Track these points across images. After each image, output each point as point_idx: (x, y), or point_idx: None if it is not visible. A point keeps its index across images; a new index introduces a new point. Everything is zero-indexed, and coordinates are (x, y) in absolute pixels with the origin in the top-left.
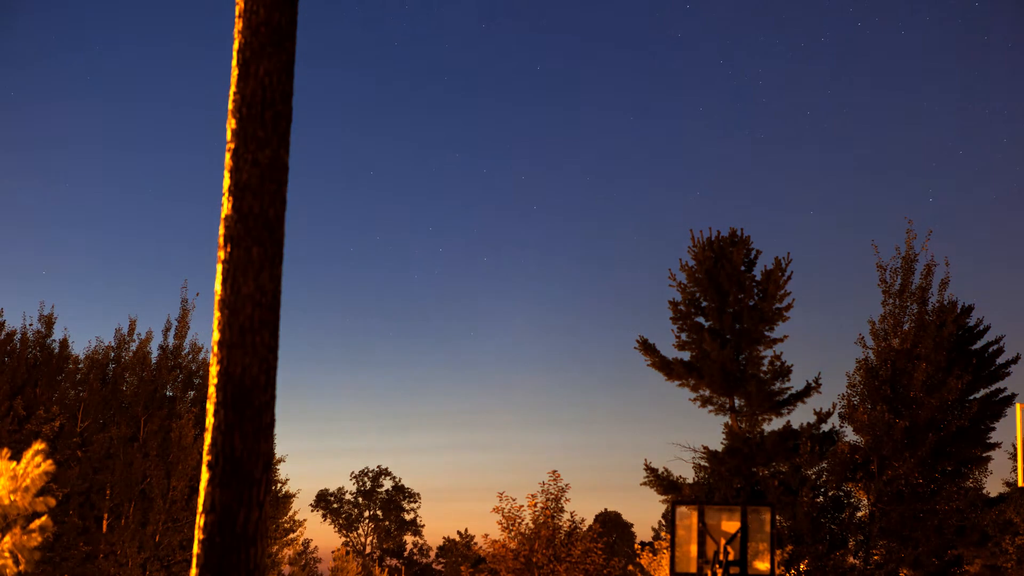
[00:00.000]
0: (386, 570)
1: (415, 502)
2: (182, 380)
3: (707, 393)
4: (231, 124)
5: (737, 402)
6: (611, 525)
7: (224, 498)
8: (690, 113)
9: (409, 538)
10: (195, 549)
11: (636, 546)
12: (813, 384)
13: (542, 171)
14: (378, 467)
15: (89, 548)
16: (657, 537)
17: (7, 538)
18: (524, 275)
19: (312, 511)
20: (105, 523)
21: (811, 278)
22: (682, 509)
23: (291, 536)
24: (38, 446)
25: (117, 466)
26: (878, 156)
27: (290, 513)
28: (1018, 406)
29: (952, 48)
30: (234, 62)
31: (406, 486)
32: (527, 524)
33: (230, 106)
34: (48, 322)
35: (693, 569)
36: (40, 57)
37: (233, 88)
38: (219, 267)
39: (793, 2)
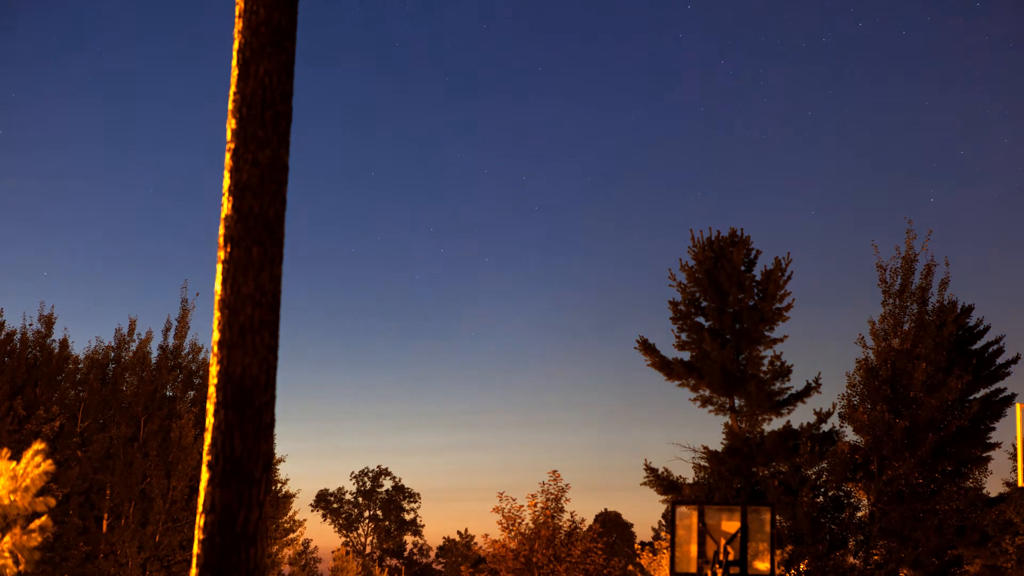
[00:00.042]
0: (386, 570)
1: (415, 502)
2: (182, 380)
3: (707, 393)
4: (231, 124)
5: (737, 402)
6: (611, 525)
7: (224, 498)
8: (691, 113)
9: (409, 538)
10: (195, 549)
11: (636, 546)
12: (813, 384)
13: (543, 171)
14: (378, 467)
15: (89, 548)
16: (657, 537)
17: (7, 538)
18: (524, 275)
19: (312, 511)
20: (105, 523)
21: (811, 278)
22: (682, 509)
23: (291, 536)
24: (38, 446)
25: (117, 466)
26: (879, 156)
27: (290, 513)
28: (1018, 406)
29: (953, 48)
30: (234, 62)
31: (406, 486)
32: (527, 524)
33: (230, 106)
34: (48, 322)
35: (693, 569)
36: (40, 57)
37: (233, 88)
38: (219, 267)
39: (794, 2)
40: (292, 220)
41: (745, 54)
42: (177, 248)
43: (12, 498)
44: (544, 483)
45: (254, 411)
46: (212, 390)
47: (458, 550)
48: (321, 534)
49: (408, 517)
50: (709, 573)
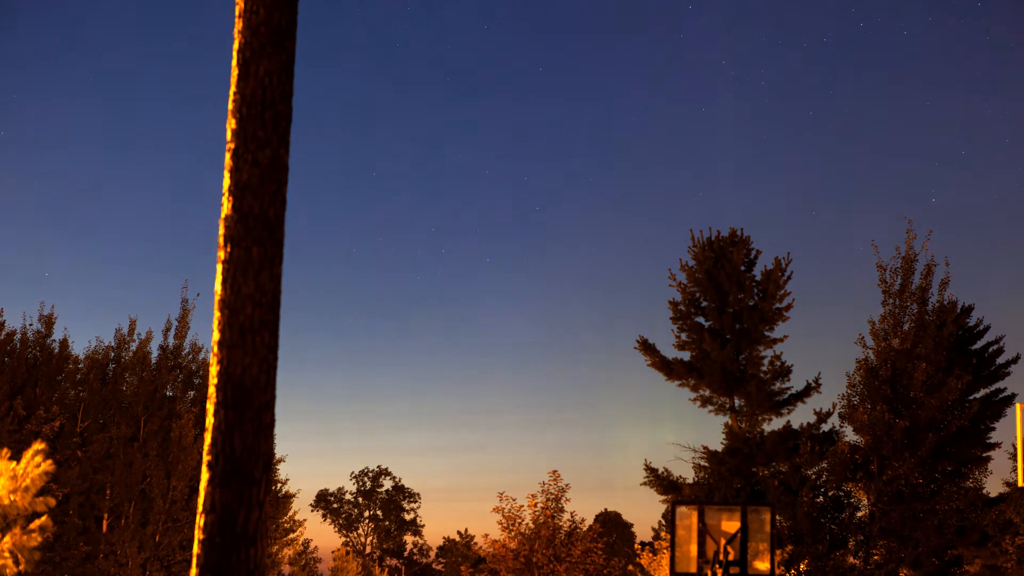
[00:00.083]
0: (386, 570)
1: (415, 502)
2: (182, 380)
3: (707, 393)
4: (231, 124)
5: (737, 402)
6: (611, 525)
7: (224, 498)
8: (692, 113)
9: (409, 538)
10: (195, 549)
11: (636, 546)
12: (813, 384)
13: (543, 171)
14: (378, 467)
15: (89, 548)
16: (657, 537)
17: (7, 538)
18: (525, 275)
19: (312, 511)
20: (105, 523)
21: (811, 278)
22: (682, 509)
23: (291, 536)
24: (38, 446)
25: (117, 466)
26: (880, 156)
27: (290, 513)
28: (1018, 406)
29: (954, 48)
30: (234, 62)
31: (406, 486)
32: (527, 524)
33: (230, 106)
34: (48, 322)
35: (693, 569)
36: (40, 57)
37: (233, 88)
38: (219, 267)
39: (795, 3)
40: (292, 220)
41: (747, 55)
42: (177, 248)
43: (12, 498)
44: (544, 483)
45: (254, 411)
46: (212, 390)
47: (458, 550)
48: (321, 534)
49: (408, 517)
50: (709, 573)
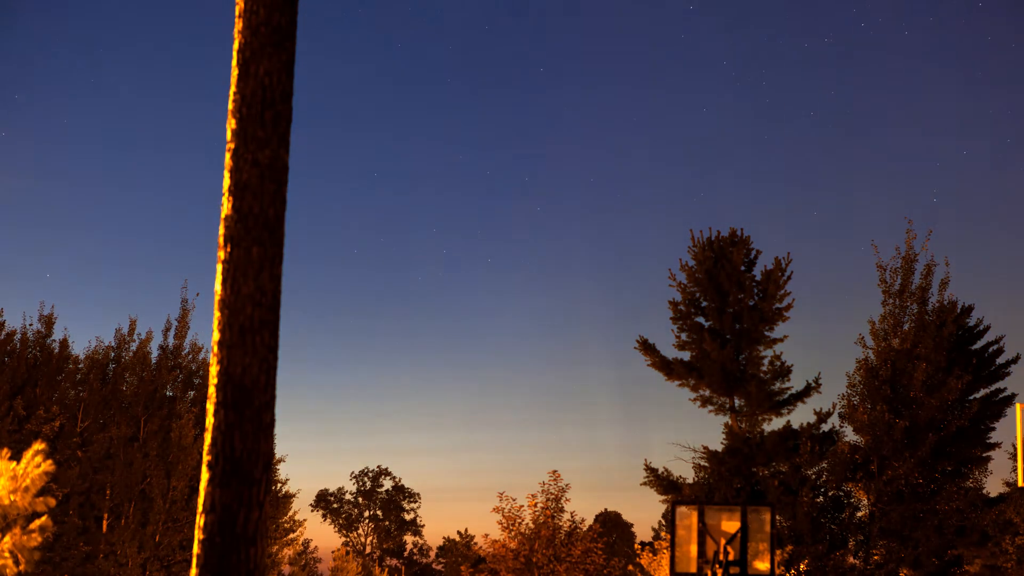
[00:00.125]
0: (386, 570)
1: (415, 502)
2: (182, 380)
3: (707, 393)
4: (231, 124)
5: (737, 402)
6: (611, 525)
7: (224, 498)
8: (693, 114)
9: (409, 538)
10: (195, 549)
11: (636, 546)
12: (813, 384)
13: (545, 172)
14: (378, 467)
15: (89, 548)
16: (657, 537)
17: (7, 538)
18: (526, 276)
19: (312, 511)
20: (105, 523)
21: (811, 278)
22: (682, 509)
23: (291, 536)
24: (38, 446)
25: (117, 466)
26: (880, 156)
27: (290, 513)
28: (1018, 406)
29: (955, 48)
30: (234, 62)
31: (406, 486)
32: (527, 524)
33: (230, 106)
34: (48, 322)
35: (693, 569)
36: (40, 57)
37: (233, 88)
38: (219, 267)
39: (797, 3)
40: (292, 220)
41: (748, 55)
42: (177, 248)
43: (12, 498)
44: (544, 483)
45: (254, 411)
46: (212, 390)
47: (458, 550)
48: (321, 534)
49: (408, 517)
50: (709, 573)
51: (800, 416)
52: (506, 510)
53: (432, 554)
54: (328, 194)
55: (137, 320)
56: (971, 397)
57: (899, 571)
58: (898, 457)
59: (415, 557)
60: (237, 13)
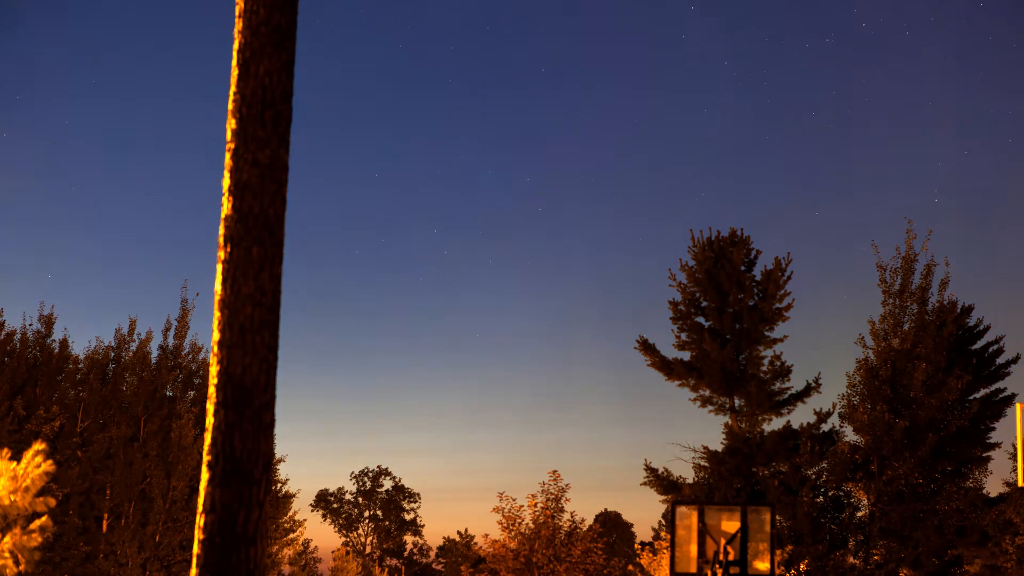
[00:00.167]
0: (386, 570)
1: (415, 502)
2: (182, 380)
3: (707, 393)
4: (231, 124)
5: (737, 402)
6: (611, 525)
7: (224, 498)
8: (693, 114)
9: (409, 538)
10: (195, 549)
11: (636, 546)
12: (813, 384)
13: (546, 172)
14: (378, 467)
15: (89, 548)
16: (657, 537)
17: (7, 538)
18: (526, 276)
19: (312, 511)
20: (105, 523)
21: (811, 278)
22: (682, 509)
23: (291, 536)
24: (38, 446)
25: (117, 466)
26: (880, 156)
27: (290, 513)
28: (1018, 406)
29: (955, 48)
30: (234, 62)
31: (406, 486)
32: (527, 524)
33: (230, 106)
34: (48, 322)
35: (693, 569)
36: (40, 57)
37: (233, 88)
38: (219, 267)
39: (797, 3)
40: (292, 220)
41: (750, 55)
42: (177, 248)
43: (12, 498)
44: (544, 483)
45: (254, 411)
46: (212, 390)
47: (458, 550)
48: (321, 534)
49: (408, 517)
50: (709, 573)
51: (800, 416)
52: (506, 510)
53: (432, 554)
54: (328, 194)
55: (137, 320)
56: (971, 397)
57: (899, 571)
58: (898, 457)
59: (415, 557)
60: (237, 13)
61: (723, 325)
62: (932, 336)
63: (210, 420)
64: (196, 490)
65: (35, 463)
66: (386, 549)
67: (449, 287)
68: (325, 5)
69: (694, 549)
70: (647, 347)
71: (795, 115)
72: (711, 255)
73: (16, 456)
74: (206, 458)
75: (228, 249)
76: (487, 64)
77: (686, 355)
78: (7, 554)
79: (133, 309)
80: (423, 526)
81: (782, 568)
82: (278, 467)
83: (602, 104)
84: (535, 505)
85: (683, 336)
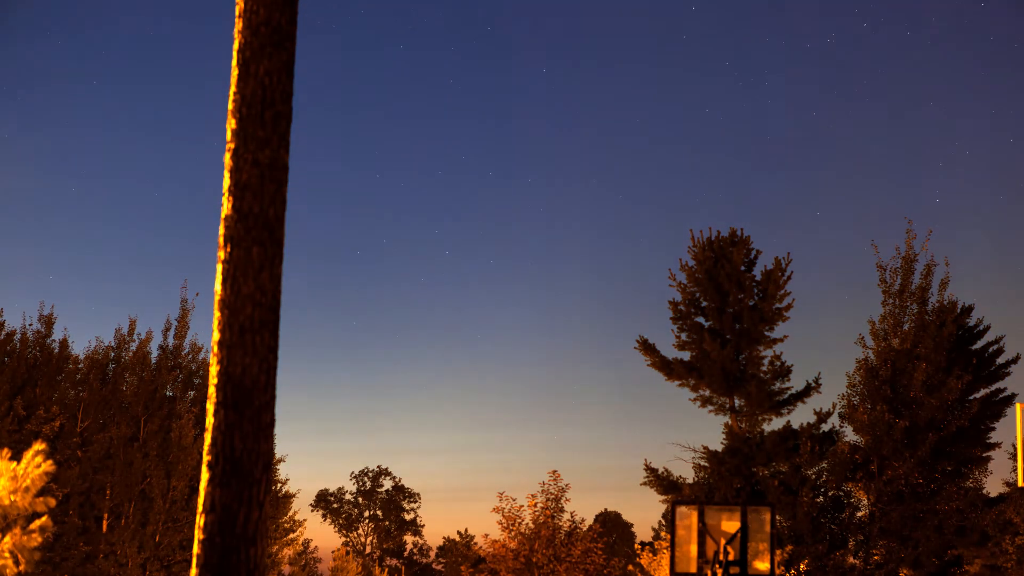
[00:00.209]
0: (386, 570)
1: (415, 502)
2: (182, 380)
3: (707, 393)
4: (231, 124)
5: (737, 402)
6: (611, 525)
7: (224, 498)
8: (694, 114)
9: (409, 538)
10: (195, 549)
11: (636, 546)
12: (813, 384)
13: (547, 174)
14: (378, 467)
15: (89, 548)
16: (657, 537)
17: (7, 538)
18: (527, 276)
19: (312, 511)
20: (105, 523)
21: (811, 278)
22: (682, 509)
23: (291, 536)
24: (38, 446)
25: (117, 466)
26: (882, 156)
27: (290, 513)
28: (1018, 406)
29: (958, 48)
30: (234, 62)
31: (406, 486)
32: (527, 524)
33: (230, 106)
34: (48, 322)
35: (693, 569)
36: (41, 56)
37: (233, 88)
38: (219, 267)
39: (799, 3)
40: (293, 220)
41: (750, 55)
42: (177, 248)
43: (12, 498)
44: (544, 483)
45: (254, 411)
46: (212, 390)
47: (458, 550)
48: (321, 534)
49: (408, 517)
50: (709, 573)
51: (800, 416)
52: (506, 510)
53: (432, 554)
54: (329, 194)
55: (137, 320)
56: (971, 397)
57: (899, 571)
58: (898, 457)
59: (415, 557)
60: (237, 13)
61: (723, 325)
62: (932, 336)
63: (210, 420)
64: (196, 490)
65: (35, 463)
66: (386, 549)
67: (450, 287)
68: (325, 5)
69: (694, 549)
70: (647, 347)
71: (795, 115)
72: (711, 255)
73: (16, 456)
74: (206, 458)
75: (228, 249)
76: (487, 64)
77: (686, 355)
78: (7, 554)
79: (133, 309)
80: (423, 526)
81: (782, 568)
82: (278, 467)
83: (601, 104)
84: (535, 505)
85: (683, 336)
